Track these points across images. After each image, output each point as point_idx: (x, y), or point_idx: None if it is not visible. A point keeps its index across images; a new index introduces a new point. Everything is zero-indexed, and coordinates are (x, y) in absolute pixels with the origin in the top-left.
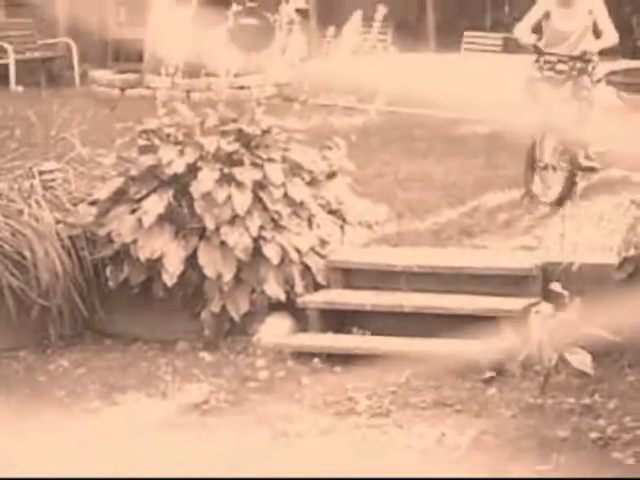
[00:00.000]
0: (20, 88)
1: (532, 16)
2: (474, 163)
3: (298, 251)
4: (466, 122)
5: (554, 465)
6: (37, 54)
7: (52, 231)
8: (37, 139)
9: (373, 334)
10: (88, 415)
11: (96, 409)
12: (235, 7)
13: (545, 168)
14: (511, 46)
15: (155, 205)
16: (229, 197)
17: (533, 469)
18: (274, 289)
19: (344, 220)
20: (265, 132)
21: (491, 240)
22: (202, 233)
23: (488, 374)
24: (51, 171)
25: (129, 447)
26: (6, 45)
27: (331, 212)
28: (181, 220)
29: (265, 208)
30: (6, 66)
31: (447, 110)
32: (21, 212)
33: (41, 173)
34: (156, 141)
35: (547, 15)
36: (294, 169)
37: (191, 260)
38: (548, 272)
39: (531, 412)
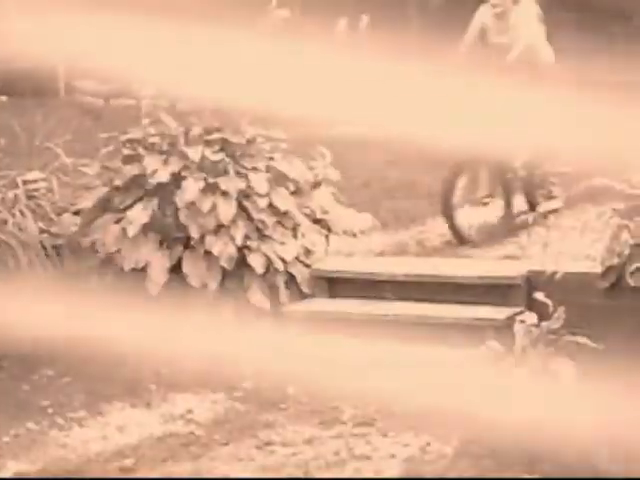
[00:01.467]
0: (4, 98)
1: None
2: None
3: (283, 260)
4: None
5: (539, 474)
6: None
7: (36, 241)
8: (21, 149)
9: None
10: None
11: (81, 418)
12: None
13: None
14: None
15: (139, 215)
16: (214, 206)
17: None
18: (259, 298)
19: (329, 229)
20: (250, 141)
21: (475, 249)
22: (187, 242)
23: None
24: (35, 181)
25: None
26: None
27: (316, 221)
28: (166, 230)
29: (250, 217)
30: None
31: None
32: (5, 222)
33: (25, 183)
34: (140, 150)
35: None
36: (279, 179)
37: (176, 269)
38: (532, 281)
39: None
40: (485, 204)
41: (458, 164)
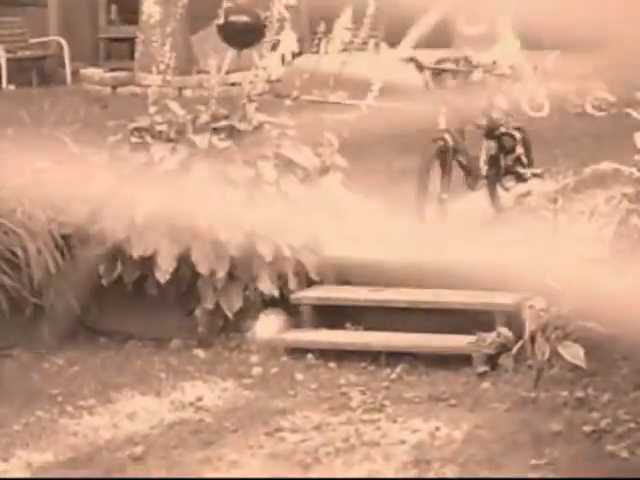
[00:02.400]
0: (12, 87)
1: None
2: None
3: (291, 247)
4: None
5: (548, 459)
6: (28, 53)
7: (45, 229)
8: (29, 138)
9: (366, 329)
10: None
11: (91, 407)
12: (225, 3)
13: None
14: None
15: (148, 202)
16: (222, 194)
17: (527, 463)
18: (267, 286)
19: (338, 215)
20: (257, 129)
21: (482, 232)
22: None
23: (482, 368)
24: (43, 170)
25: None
26: None
27: (325, 208)
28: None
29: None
30: None
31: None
32: (14, 211)
33: (34, 172)
34: (148, 139)
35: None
36: (287, 166)
37: (184, 257)
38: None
39: (525, 406)
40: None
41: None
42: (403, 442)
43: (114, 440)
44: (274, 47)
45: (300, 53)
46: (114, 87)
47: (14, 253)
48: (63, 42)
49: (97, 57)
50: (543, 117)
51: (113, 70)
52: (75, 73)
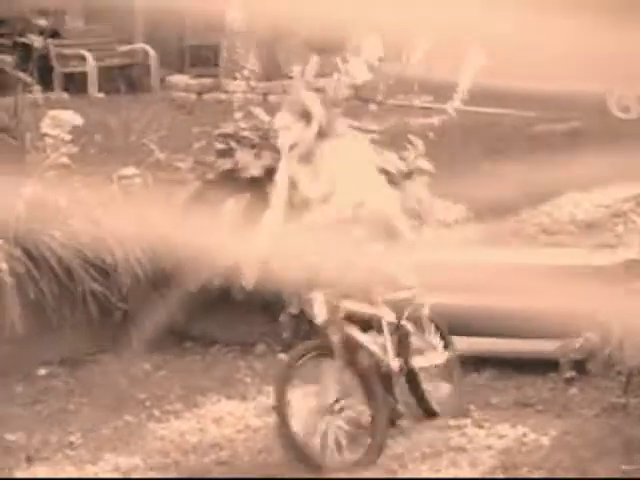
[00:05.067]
0: (100, 95)
1: None
2: (554, 161)
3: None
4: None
5: (639, 464)
6: (116, 61)
7: (132, 235)
8: (117, 145)
9: (452, 334)
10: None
11: (177, 411)
12: None
13: None
14: None
15: (233, 208)
16: None
17: (618, 469)
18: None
19: (422, 220)
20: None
21: (571, 238)
22: None
23: (569, 374)
24: (130, 176)
25: None
26: (86, 53)
27: (409, 212)
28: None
29: None
30: (86, 73)
31: (524, 108)
32: (101, 218)
33: (120, 178)
34: (233, 144)
35: None
36: None
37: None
38: (630, 269)
39: (614, 412)
40: None
41: None
42: (490, 448)
43: (201, 444)
44: (358, 52)
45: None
46: (199, 94)
47: (102, 260)
48: (150, 50)
49: (183, 64)
50: None
51: (199, 77)
52: (161, 80)
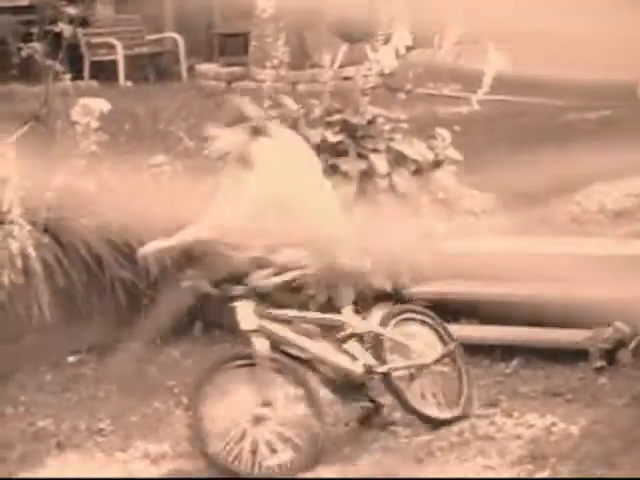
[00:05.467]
0: (129, 83)
1: None
2: (584, 150)
3: (404, 243)
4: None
5: None
6: (145, 49)
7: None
8: (146, 133)
9: (481, 324)
10: None
11: None
12: None
13: None
14: None
15: None
16: (334, 187)
17: None
18: (380, 280)
19: (451, 209)
20: (370, 122)
21: (600, 227)
22: None
23: (598, 363)
24: (159, 164)
25: None
26: (115, 41)
27: (437, 201)
28: None
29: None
30: (115, 62)
31: (553, 97)
32: (130, 205)
33: (150, 166)
34: None
35: None
36: (399, 159)
37: None
38: None
39: None
40: None
41: None
42: (518, 437)
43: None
44: (387, 41)
45: (413, 46)
46: (229, 82)
47: (131, 247)
48: (178, 38)
49: (212, 53)
50: None
51: (228, 65)
52: (190, 69)
